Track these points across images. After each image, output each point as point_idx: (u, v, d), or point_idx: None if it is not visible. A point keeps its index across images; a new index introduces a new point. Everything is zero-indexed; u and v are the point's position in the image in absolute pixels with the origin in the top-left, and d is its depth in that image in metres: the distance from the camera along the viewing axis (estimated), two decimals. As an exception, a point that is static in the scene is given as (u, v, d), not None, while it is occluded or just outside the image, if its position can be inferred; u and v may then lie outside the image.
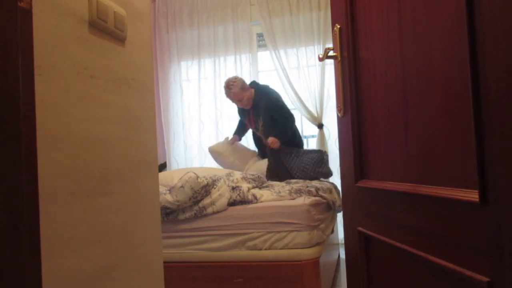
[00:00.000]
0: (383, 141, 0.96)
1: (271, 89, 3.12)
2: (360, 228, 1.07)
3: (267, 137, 2.92)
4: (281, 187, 2.21)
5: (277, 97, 3.05)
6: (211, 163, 3.68)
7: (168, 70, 3.81)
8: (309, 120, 3.43)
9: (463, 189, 0.67)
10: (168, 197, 1.91)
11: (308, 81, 3.43)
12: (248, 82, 3.12)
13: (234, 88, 2.97)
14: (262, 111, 2.97)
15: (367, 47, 1.02)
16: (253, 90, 3.04)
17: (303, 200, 1.95)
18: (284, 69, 3.46)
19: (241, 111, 3.21)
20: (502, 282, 0.59)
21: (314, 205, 1.97)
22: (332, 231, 2.37)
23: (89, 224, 0.75)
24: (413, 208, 0.82)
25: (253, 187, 2.20)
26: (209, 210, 1.97)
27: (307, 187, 2.16)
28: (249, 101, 3.02)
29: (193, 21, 3.72)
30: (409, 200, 0.83)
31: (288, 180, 2.61)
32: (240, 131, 3.31)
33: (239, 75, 3.63)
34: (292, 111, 3.08)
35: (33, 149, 0.60)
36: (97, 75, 0.81)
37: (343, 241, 2.93)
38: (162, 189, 2.00)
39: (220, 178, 2.11)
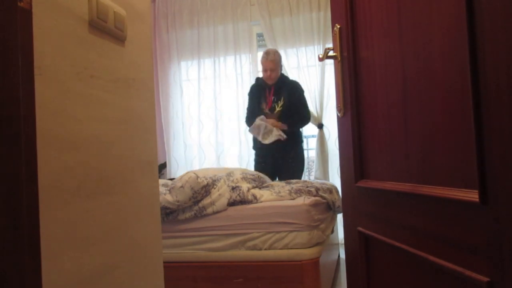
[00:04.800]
0: (383, 141, 0.96)
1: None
2: (360, 228, 1.07)
3: (279, 120, 2.98)
4: (281, 187, 2.21)
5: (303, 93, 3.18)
6: (211, 163, 3.68)
7: (168, 70, 3.81)
8: (309, 120, 3.43)
9: (463, 189, 0.67)
10: (168, 197, 1.91)
11: (308, 81, 3.43)
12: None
13: (276, 56, 3.03)
14: (286, 94, 3.03)
15: (367, 47, 1.02)
16: (280, 73, 3.11)
17: (303, 200, 1.95)
18: (284, 69, 3.46)
19: (258, 89, 3.13)
20: (502, 282, 0.59)
21: (314, 205, 1.97)
22: (332, 231, 2.36)
23: (89, 224, 0.75)
24: (413, 208, 0.82)
25: (253, 187, 2.20)
26: (209, 210, 1.97)
27: (307, 187, 2.16)
28: (275, 78, 3.06)
29: (193, 21, 3.72)
30: (409, 200, 0.83)
31: (288, 180, 2.61)
32: (254, 117, 3.12)
33: (239, 75, 3.63)
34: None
35: (33, 149, 0.60)
36: (97, 75, 0.81)
37: (343, 241, 2.92)
38: (162, 189, 2.00)
39: (220, 178, 2.11)
